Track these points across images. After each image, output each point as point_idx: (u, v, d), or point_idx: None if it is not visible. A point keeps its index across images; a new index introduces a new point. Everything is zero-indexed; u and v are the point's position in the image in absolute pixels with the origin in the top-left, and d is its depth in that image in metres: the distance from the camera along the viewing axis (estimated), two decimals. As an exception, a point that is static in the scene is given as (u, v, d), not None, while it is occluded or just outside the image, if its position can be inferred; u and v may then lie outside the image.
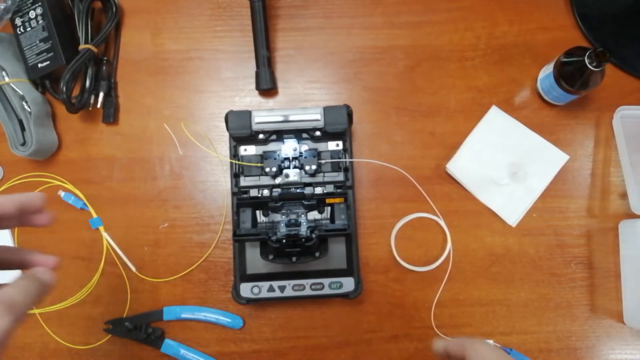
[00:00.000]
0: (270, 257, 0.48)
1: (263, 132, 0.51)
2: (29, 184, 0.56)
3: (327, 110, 0.50)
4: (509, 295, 0.53)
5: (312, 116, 0.50)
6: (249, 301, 0.50)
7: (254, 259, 0.51)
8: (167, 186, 0.55)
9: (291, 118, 0.50)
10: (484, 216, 0.54)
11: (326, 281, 0.50)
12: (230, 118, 0.50)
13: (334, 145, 0.52)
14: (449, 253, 0.53)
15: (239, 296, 0.50)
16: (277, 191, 0.50)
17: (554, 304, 0.53)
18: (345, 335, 0.53)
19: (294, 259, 0.48)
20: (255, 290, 0.50)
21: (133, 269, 0.54)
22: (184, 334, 0.53)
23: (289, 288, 0.50)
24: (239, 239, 0.50)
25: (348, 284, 0.50)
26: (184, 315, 0.52)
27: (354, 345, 0.53)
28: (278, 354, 0.52)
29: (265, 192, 0.51)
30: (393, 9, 0.59)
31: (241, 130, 0.50)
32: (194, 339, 0.52)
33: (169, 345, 0.52)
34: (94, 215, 0.55)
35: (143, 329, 0.52)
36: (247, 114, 0.50)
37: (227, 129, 0.50)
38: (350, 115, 0.51)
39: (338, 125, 0.50)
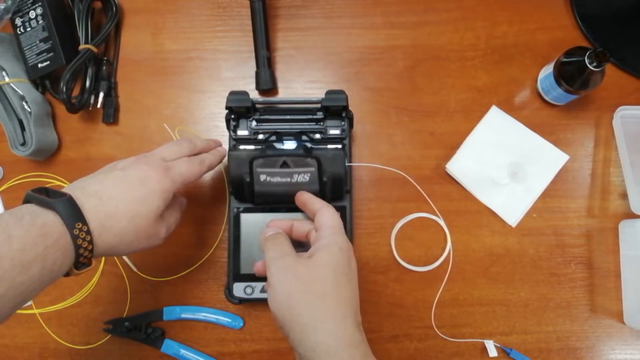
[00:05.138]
0: None
1: (263, 132, 0.51)
2: (29, 183, 0.56)
3: (328, 92, 0.49)
4: (509, 296, 0.53)
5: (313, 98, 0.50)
6: (242, 301, 0.50)
7: (248, 259, 0.51)
8: (167, 186, 0.55)
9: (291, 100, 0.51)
10: (484, 216, 0.54)
11: None
12: (229, 98, 0.49)
13: None
14: (449, 253, 0.53)
15: (232, 295, 0.50)
16: None
17: (554, 304, 0.53)
18: (345, 335, 0.53)
19: None
20: (248, 290, 0.50)
21: (133, 268, 0.54)
22: (184, 334, 0.53)
23: None
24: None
25: None
26: (183, 315, 0.52)
27: (354, 345, 0.53)
28: (278, 354, 0.52)
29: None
30: (393, 9, 0.59)
31: (240, 103, 0.49)
32: (194, 339, 0.52)
33: (169, 345, 0.52)
34: (94, 215, 0.55)
35: (143, 329, 0.52)
36: (246, 93, 0.49)
37: (226, 107, 0.49)
38: (350, 120, 0.51)
39: (338, 102, 0.49)
